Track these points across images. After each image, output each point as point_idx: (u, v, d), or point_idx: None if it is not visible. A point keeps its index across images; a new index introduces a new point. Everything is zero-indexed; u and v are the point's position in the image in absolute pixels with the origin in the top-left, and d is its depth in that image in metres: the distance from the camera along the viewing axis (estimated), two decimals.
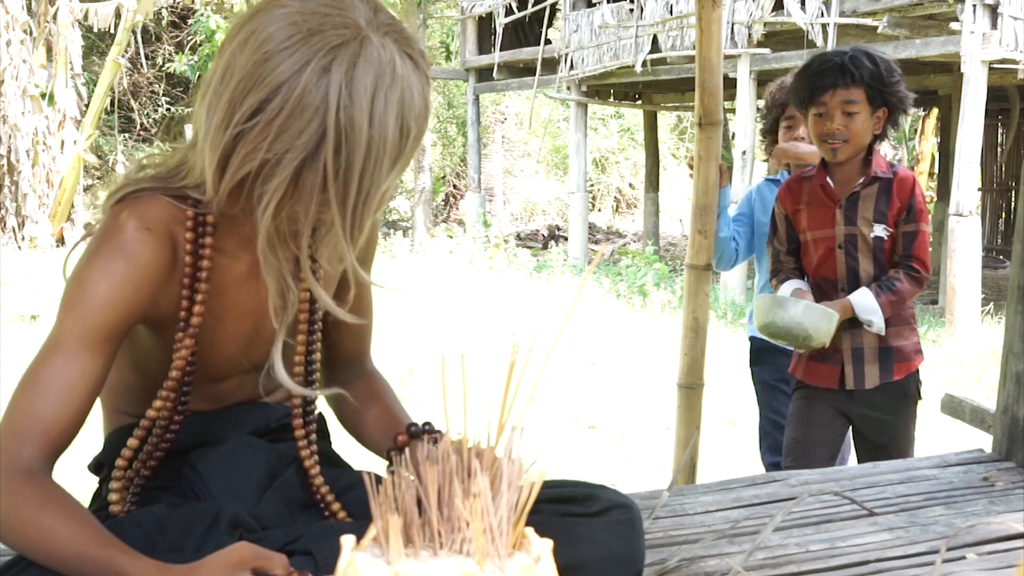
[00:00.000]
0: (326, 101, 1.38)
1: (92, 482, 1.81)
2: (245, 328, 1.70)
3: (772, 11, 11.89)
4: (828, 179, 3.31)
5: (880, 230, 3.22)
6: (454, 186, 23.82)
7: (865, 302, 3.21)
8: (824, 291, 3.33)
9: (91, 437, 1.74)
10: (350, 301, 1.68)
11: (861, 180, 3.24)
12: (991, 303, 10.88)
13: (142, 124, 20.90)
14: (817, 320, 3.09)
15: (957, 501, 2.35)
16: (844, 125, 3.13)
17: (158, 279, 1.56)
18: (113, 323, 1.51)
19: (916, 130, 23.15)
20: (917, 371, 3.34)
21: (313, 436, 1.79)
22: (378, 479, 1.60)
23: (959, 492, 2.41)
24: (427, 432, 1.68)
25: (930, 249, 3.31)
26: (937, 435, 6.23)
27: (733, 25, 12.20)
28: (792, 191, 3.43)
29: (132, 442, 1.66)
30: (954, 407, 3.03)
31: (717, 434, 6.45)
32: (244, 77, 1.40)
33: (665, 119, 24.95)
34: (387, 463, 1.66)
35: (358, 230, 1.47)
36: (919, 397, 3.30)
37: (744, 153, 12.46)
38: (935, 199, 16.03)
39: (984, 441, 2.78)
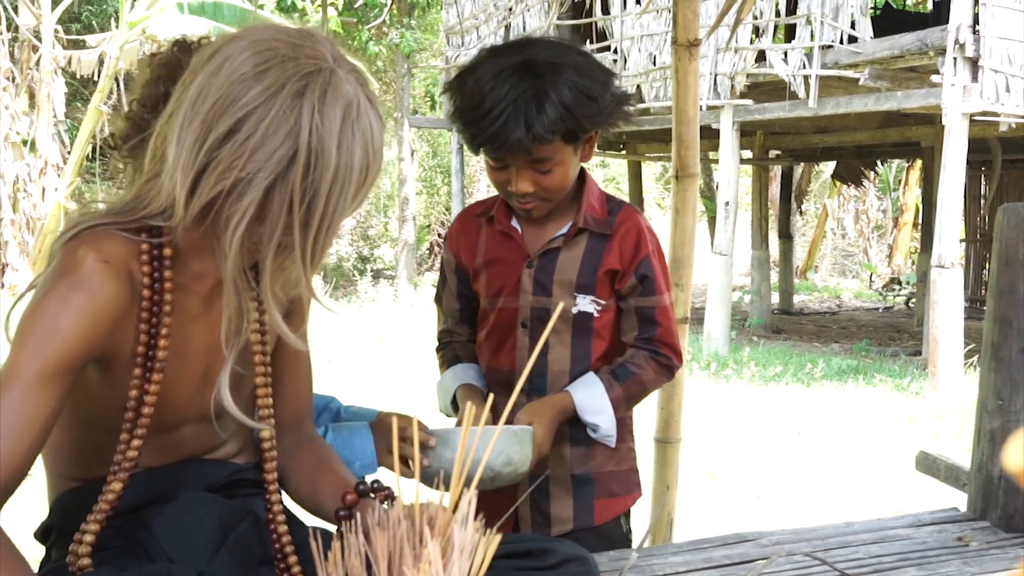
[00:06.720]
0: (299, 123, 1.41)
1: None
2: (198, 368, 1.68)
3: (755, 63, 11.97)
4: (514, 223, 2.43)
5: (586, 303, 2.35)
6: (439, 235, 23.83)
7: (591, 396, 2.35)
8: (497, 391, 2.41)
9: (35, 505, 1.69)
10: (304, 334, 1.73)
11: (564, 230, 2.38)
12: (975, 354, 10.87)
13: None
14: (505, 448, 2.11)
15: (931, 562, 2.30)
16: (536, 183, 2.25)
17: (117, 313, 1.53)
18: (71, 356, 1.48)
19: (900, 181, 23.33)
20: (628, 513, 2.53)
21: (277, 484, 1.75)
22: (326, 536, 1.56)
23: (933, 552, 2.36)
24: (375, 491, 1.65)
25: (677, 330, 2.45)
26: (912, 492, 6.21)
27: (716, 76, 12.27)
28: (467, 232, 2.52)
29: (116, 486, 1.62)
30: (929, 464, 2.98)
31: (697, 488, 6.40)
32: (219, 99, 1.42)
33: (650, 169, 25.08)
34: (337, 527, 1.63)
35: (318, 255, 1.49)
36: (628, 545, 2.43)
37: (727, 204, 12.48)
38: (919, 250, 16.09)
39: (959, 499, 2.74)
